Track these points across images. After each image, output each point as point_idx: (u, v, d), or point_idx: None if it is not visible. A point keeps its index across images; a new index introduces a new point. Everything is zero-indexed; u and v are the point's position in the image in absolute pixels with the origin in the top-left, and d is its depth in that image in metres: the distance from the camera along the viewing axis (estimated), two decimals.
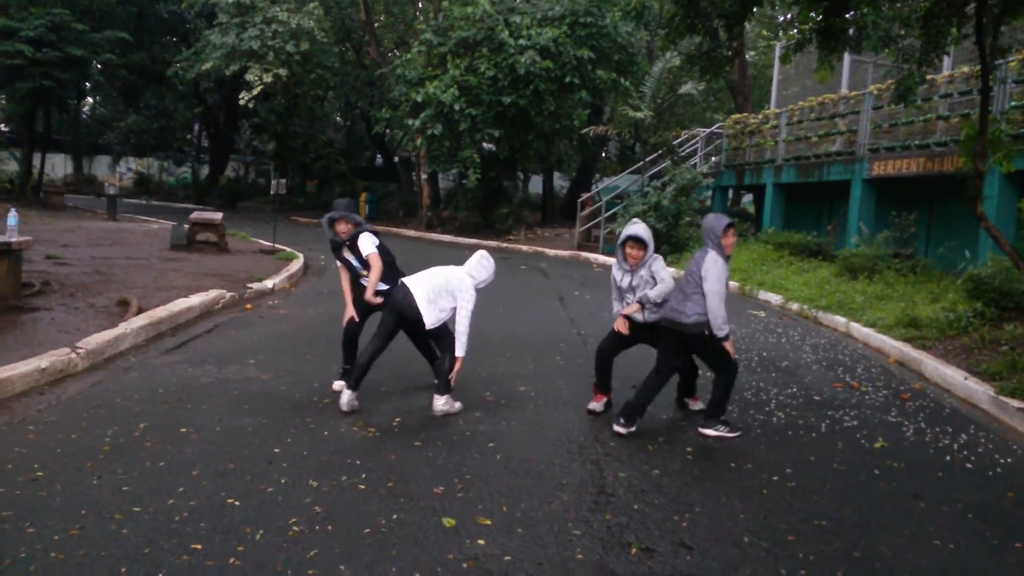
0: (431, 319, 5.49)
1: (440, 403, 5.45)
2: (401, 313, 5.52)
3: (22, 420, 4.87)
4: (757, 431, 5.46)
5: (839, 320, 9.82)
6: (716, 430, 5.29)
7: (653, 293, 5.42)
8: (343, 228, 5.93)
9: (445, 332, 5.65)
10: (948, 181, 12.04)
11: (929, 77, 11.36)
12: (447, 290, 5.54)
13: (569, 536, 3.62)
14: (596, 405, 5.77)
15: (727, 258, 5.35)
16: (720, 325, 5.17)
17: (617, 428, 5.20)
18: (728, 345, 5.27)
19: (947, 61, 12.86)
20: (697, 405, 5.90)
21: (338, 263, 6.16)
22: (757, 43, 28.96)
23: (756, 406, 6.10)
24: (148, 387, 5.76)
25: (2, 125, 40.94)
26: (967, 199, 7.75)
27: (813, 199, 17.12)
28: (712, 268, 5.21)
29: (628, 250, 5.50)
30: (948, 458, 5.08)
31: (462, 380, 6.15)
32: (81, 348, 6.25)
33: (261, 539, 3.44)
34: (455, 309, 5.54)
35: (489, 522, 3.73)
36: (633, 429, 5.21)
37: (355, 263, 6.03)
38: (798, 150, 16.23)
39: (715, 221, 5.38)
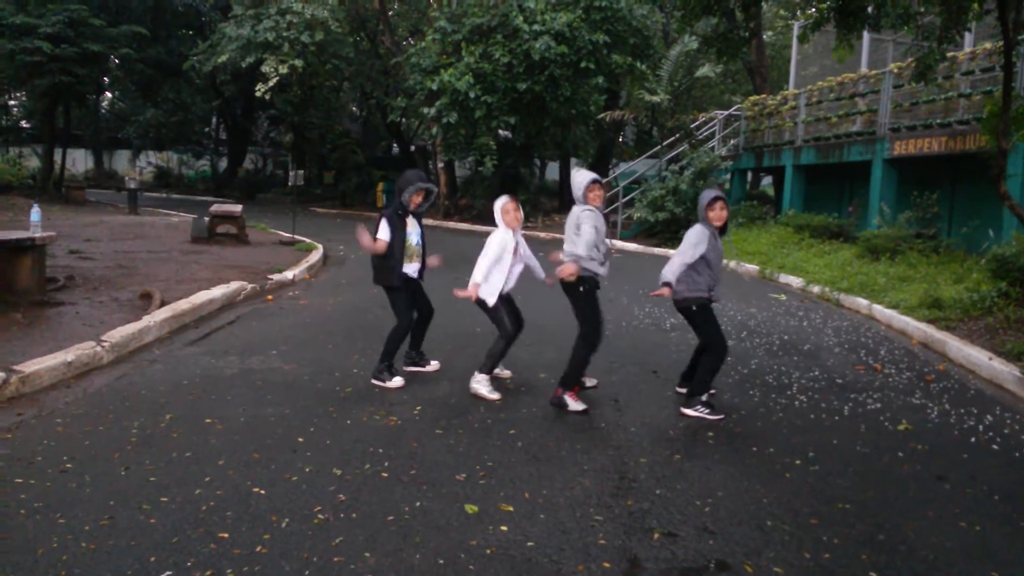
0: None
1: (474, 380, 5.66)
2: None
3: (50, 413, 4.95)
4: (779, 415, 5.44)
5: (861, 302, 9.74)
6: (696, 410, 5.34)
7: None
8: (421, 200, 6.00)
9: (495, 316, 5.74)
10: (971, 160, 11.89)
11: (950, 54, 11.19)
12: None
13: (591, 522, 3.64)
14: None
15: (719, 230, 5.51)
16: (666, 276, 5.30)
17: (689, 412, 5.35)
18: (664, 292, 5.28)
19: (968, 38, 12.68)
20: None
21: (386, 236, 5.82)
22: (775, 23, 28.67)
23: (778, 390, 6.07)
24: (173, 379, 5.82)
25: (23, 121, 41.39)
26: (990, 178, 7.65)
27: (833, 180, 16.96)
28: (688, 235, 5.44)
29: (600, 191, 5.52)
30: (973, 440, 5.04)
31: None
32: (106, 341, 6.32)
33: (287, 527, 3.48)
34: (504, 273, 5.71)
35: (511, 508, 3.75)
36: (703, 412, 5.34)
37: (416, 236, 6.03)
38: (818, 131, 16.07)
39: (703, 195, 5.58)
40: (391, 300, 6.02)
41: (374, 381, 5.85)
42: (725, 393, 5.93)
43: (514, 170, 23.83)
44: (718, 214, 5.45)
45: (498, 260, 5.63)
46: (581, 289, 5.44)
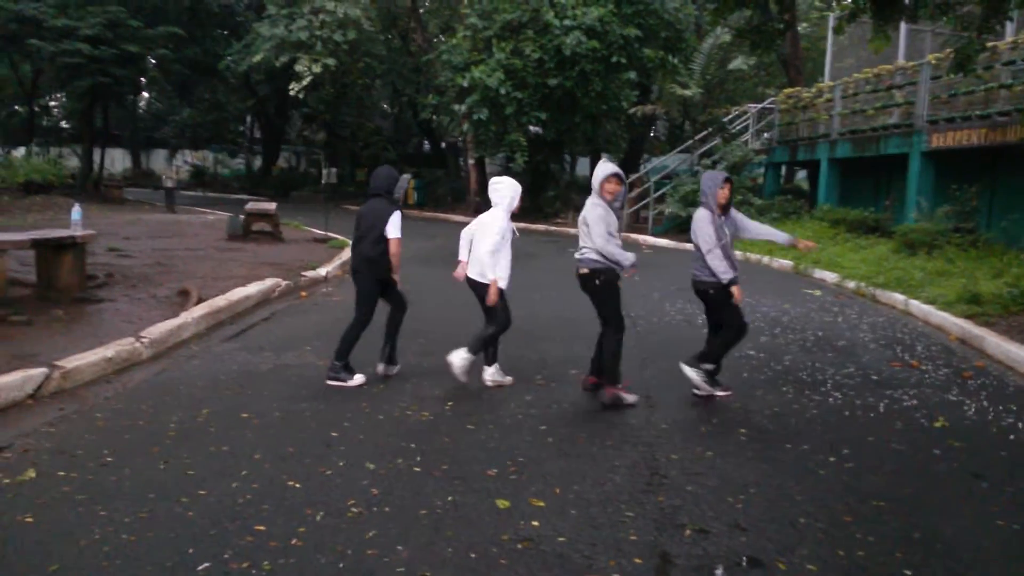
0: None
1: (458, 360, 5.67)
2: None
3: (91, 408, 5.06)
4: (813, 411, 5.39)
5: (898, 297, 9.60)
6: (698, 374, 5.53)
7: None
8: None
9: (492, 307, 5.71)
10: (1011, 152, 11.66)
11: (991, 44, 10.95)
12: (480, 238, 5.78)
13: (622, 518, 3.64)
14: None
15: (723, 207, 5.62)
16: (721, 273, 5.43)
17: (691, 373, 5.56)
18: (735, 291, 5.49)
19: (1010, 27, 12.39)
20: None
21: (399, 233, 5.79)
22: (809, 15, 28.23)
23: (812, 386, 6.02)
24: (210, 374, 5.93)
25: (63, 122, 42.26)
26: None
27: (870, 174, 16.71)
28: (697, 227, 5.55)
29: (616, 185, 5.43)
30: (1012, 437, 4.95)
31: (514, 364, 6.20)
32: (145, 337, 6.45)
33: (321, 520, 3.54)
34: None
35: (542, 504, 3.76)
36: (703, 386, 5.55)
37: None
38: (853, 124, 15.85)
39: (709, 178, 5.70)
40: (364, 294, 5.87)
41: (331, 383, 5.71)
42: (758, 390, 5.89)
43: (545, 166, 23.79)
44: (724, 194, 5.59)
45: (502, 246, 5.72)
46: (597, 282, 5.44)
